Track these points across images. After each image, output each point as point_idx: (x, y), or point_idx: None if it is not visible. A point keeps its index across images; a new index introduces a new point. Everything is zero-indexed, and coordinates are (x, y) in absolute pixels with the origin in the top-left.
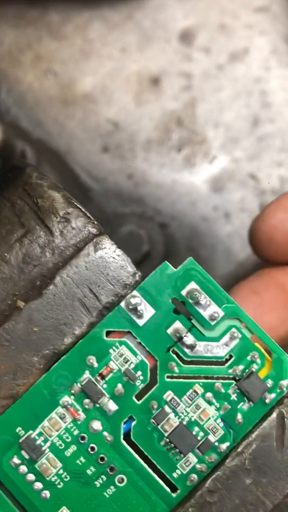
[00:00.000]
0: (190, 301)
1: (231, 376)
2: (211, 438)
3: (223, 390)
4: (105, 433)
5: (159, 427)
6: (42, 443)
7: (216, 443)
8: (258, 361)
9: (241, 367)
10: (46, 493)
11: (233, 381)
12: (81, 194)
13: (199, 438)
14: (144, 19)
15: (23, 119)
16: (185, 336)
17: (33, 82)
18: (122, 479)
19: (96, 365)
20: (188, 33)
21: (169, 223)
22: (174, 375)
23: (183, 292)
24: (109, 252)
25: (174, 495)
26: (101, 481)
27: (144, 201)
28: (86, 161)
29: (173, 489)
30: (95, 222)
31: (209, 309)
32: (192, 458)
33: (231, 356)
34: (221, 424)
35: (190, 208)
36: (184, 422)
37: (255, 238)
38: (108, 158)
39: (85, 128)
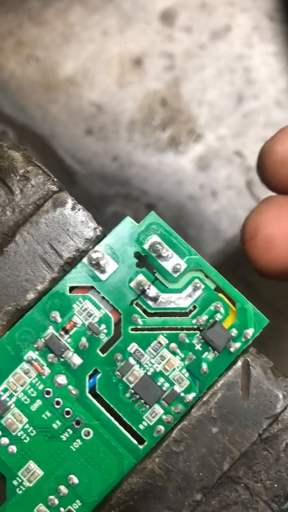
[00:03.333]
0: (153, 254)
1: (195, 327)
2: (177, 388)
3: (187, 341)
4: (70, 387)
5: (124, 379)
6: (7, 399)
7: (182, 394)
8: (222, 310)
9: (204, 317)
10: (13, 448)
11: (197, 332)
12: (66, 177)
13: (164, 388)
14: (124, 1)
15: (6, 105)
16: (148, 288)
17: (16, 68)
18: (88, 432)
19: (59, 320)
20: (169, 13)
21: (156, 204)
22: (138, 327)
23: (146, 246)
24: (68, 208)
25: (141, 446)
26: (67, 435)
27: (130, 182)
28: (70, 144)
29: (140, 441)
30: (55, 180)
31: (172, 261)
32: (158, 409)
33: (194, 307)
34: (187, 374)
35: (177, 188)
36: (149, 373)
37: (266, 163)
38: (92, 140)
39: (68, 111)
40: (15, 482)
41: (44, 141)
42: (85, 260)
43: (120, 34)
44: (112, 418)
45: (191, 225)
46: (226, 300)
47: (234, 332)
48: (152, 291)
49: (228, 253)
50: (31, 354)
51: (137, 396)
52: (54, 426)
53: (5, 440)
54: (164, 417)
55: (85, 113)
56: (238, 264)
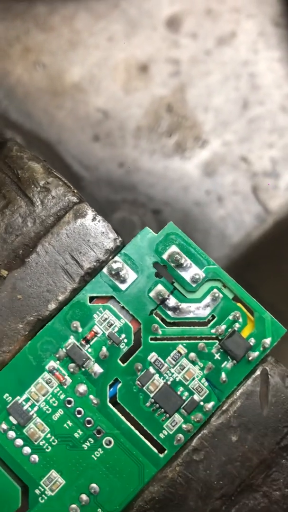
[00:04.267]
0: (172, 264)
1: (214, 336)
2: (196, 397)
3: (206, 350)
4: (91, 396)
5: (144, 388)
6: (30, 408)
7: (202, 403)
8: (240, 320)
9: (223, 326)
10: (35, 457)
11: (216, 341)
12: (73, 183)
13: (184, 398)
14: (130, 8)
15: (13, 111)
16: (167, 298)
17: (22, 74)
18: (110, 441)
19: (80, 330)
20: (175, 19)
21: (162, 209)
22: (158, 337)
23: (164, 256)
24: (89, 219)
25: (161, 455)
26: (88, 444)
27: (136, 188)
28: (77, 150)
29: (160, 449)
30: (75, 191)
31: (191, 271)
32: (178, 418)
33: (213, 317)
34: (206, 384)
35: (183, 193)
36: (169, 383)
37: None
38: (99, 146)
39: (75, 118)
40: (37, 491)
41: (51, 147)
42: (105, 270)
43: (126, 40)
44: (132, 427)
45: (197, 231)
46: (244, 309)
47: (252, 341)
48: (171, 301)
49: (234, 259)
50: (53, 364)
51: (157, 405)
52: (76, 435)
53: (27, 450)
54: (184, 426)
55: (92, 119)
56: (244, 269)
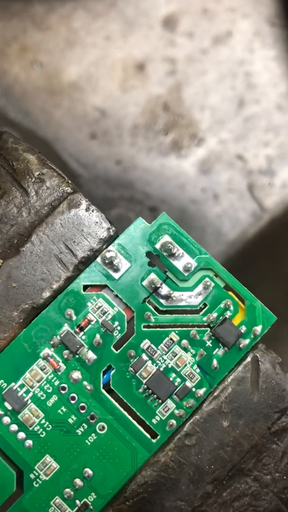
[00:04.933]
0: (164, 253)
1: (206, 324)
2: (188, 384)
3: (198, 337)
4: (85, 383)
5: (137, 374)
6: (24, 394)
7: (193, 389)
8: (232, 308)
9: (215, 314)
10: (30, 443)
11: (208, 328)
12: (70, 181)
13: (176, 384)
14: (127, 7)
15: (10, 109)
16: (160, 287)
17: (20, 73)
18: (103, 427)
19: (74, 317)
20: (171, 18)
21: (159, 206)
22: (151, 324)
23: (157, 245)
24: (83, 209)
25: (154, 440)
26: (82, 429)
27: (133, 186)
28: (75, 148)
29: (153, 435)
30: (69, 182)
31: (183, 260)
32: (170, 404)
33: (205, 305)
34: (198, 370)
35: (179, 191)
36: (161, 369)
37: None
38: (96, 144)
39: (72, 116)
40: (32, 476)
41: (49, 145)
42: (98, 259)
43: (123, 40)
44: (126, 413)
45: (194, 228)
46: (235, 298)
47: (243, 329)
48: (164, 289)
49: (230, 255)
50: (47, 351)
51: (150, 391)
52: (70, 421)
53: (22, 435)
54: (176, 411)
55: (89, 118)
56: (239, 266)
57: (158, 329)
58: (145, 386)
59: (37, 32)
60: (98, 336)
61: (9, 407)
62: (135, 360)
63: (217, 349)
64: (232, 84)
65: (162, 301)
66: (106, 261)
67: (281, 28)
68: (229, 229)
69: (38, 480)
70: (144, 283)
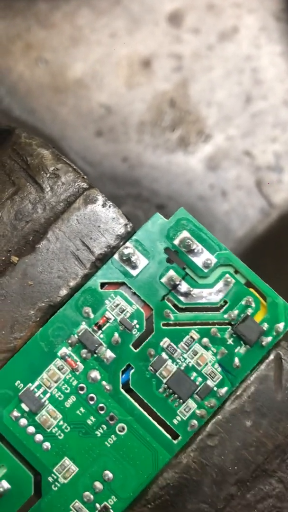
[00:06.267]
0: (183, 249)
1: (227, 321)
2: (210, 383)
3: (219, 335)
4: (104, 382)
5: (157, 374)
6: (42, 395)
7: (215, 388)
8: (253, 305)
9: (236, 311)
10: (48, 445)
11: (229, 326)
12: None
13: (197, 383)
14: (131, 3)
15: (16, 108)
16: (179, 284)
17: (24, 71)
18: (123, 428)
19: (92, 316)
20: (176, 14)
21: (166, 204)
22: (170, 322)
23: (176, 241)
24: (99, 205)
25: (175, 441)
26: (101, 431)
27: (140, 183)
28: (80, 146)
29: (174, 435)
30: (85, 177)
31: (202, 256)
32: (191, 404)
33: (225, 302)
34: (219, 369)
35: (187, 188)
36: (182, 368)
37: None
38: (102, 142)
39: (78, 113)
40: (50, 479)
41: (54, 143)
42: (116, 256)
43: (128, 36)
44: (146, 413)
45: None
46: (256, 294)
47: (265, 326)
48: (183, 286)
49: (239, 252)
50: (65, 350)
51: (171, 391)
52: (89, 422)
53: (39, 437)
54: (197, 411)
55: (95, 115)
56: (248, 263)
57: (178, 327)
58: (166, 385)
59: (42, 29)
60: (116, 334)
61: (26, 409)
62: (155, 359)
63: (238, 347)
64: (239, 80)
65: (181, 298)
66: (124, 258)
67: (287, 23)
68: (237, 226)
69: (56, 483)
70: (163, 280)
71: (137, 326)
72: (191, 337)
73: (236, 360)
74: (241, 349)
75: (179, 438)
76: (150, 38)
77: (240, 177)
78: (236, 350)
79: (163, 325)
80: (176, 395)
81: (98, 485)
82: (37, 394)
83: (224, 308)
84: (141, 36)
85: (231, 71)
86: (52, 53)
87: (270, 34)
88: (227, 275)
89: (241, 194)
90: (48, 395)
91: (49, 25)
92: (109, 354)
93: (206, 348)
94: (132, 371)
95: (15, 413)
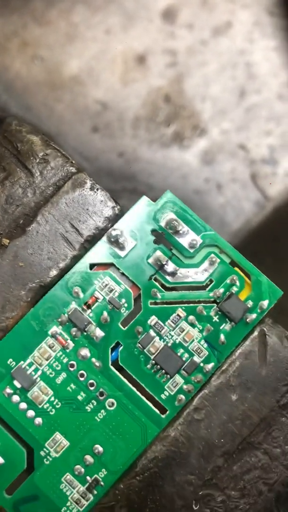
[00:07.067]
0: (169, 231)
1: (212, 299)
2: (196, 359)
3: (205, 313)
4: (94, 359)
5: (145, 350)
6: (33, 373)
7: (201, 364)
8: (238, 283)
9: (221, 290)
10: (39, 420)
11: (215, 304)
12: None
13: (184, 359)
14: (126, 0)
15: (12, 105)
16: (165, 264)
17: (21, 68)
18: (112, 403)
19: (82, 295)
20: (170, 10)
21: None
22: (157, 301)
23: (162, 223)
24: (87, 188)
25: (163, 416)
26: (91, 406)
27: (136, 178)
28: (77, 142)
29: (162, 410)
30: (73, 162)
31: (188, 237)
32: (178, 379)
33: (211, 281)
34: (205, 345)
35: (182, 182)
36: (169, 345)
37: None
38: (98, 137)
39: (74, 110)
40: (42, 453)
41: (51, 139)
42: (104, 238)
43: (123, 33)
44: (134, 389)
45: None
46: (241, 273)
47: (250, 303)
48: (170, 266)
49: (234, 245)
50: (55, 329)
51: (158, 367)
52: (79, 398)
53: (31, 413)
54: (184, 386)
55: (91, 111)
56: (244, 255)
57: (165, 305)
58: (153, 361)
59: (37, 27)
60: (105, 313)
61: (18, 386)
62: (143, 336)
63: (224, 324)
64: (233, 75)
65: (168, 278)
66: (112, 240)
67: (281, 18)
68: (233, 219)
69: (48, 457)
70: (150, 260)
71: (126, 305)
72: (178, 315)
73: (222, 336)
74: (227, 326)
75: (167, 412)
76: (144, 34)
77: (235, 171)
78: (221, 327)
79: (151, 303)
80: (163, 371)
81: (89, 458)
82: (29, 372)
83: (210, 286)
84: (136, 33)
85: (225, 66)
86: (48, 50)
87: (263, 29)
88: (212, 254)
89: (236, 187)
90: (39, 372)
91: (45, 22)
92: (99, 332)
93: (192, 325)
94: (120, 348)
95: (8, 390)
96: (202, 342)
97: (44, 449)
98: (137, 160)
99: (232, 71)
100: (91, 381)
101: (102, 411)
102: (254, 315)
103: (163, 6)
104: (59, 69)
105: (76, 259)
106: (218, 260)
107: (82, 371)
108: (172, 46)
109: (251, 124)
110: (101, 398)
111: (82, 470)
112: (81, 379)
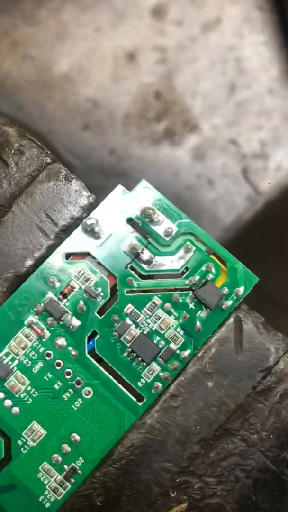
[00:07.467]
0: (145, 219)
1: (188, 287)
2: (173, 346)
3: (181, 300)
4: (70, 348)
5: (121, 338)
6: (10, 362)
7: (178, 351)
8: (213, 270)
9: (197, 277)
10: (16, 409)
11: (190, 291)
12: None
13: (160, 346)
14: None
15: (3, 104)
16: (141, 252)
17: (11, 67)
18: (89, 392)
19: (58, 285)
20: (160, 7)
21: None
22: (133, 289)
23: (138, 212)
24: (62, 178)
25: (140, 403)
26: (68, 395)
27: (128, 175)
28: (68, 140)
29: (139, 398)
30: (48, 152)
31: (163, 225)
32: (155, 367)
33: (187, 269)
34: (181, 332)
35: (174, 178)
36: (145, 332)
37: None
38: (89, 135)
39: (65, 108)
40: (19, 442)
41: (42, 138)
42: (80, 227)
43: (112, 30)
44: (111, 377)
45: (189, 214)
46: (217, 260)
47: (225, 290)
48: (146, 254)
49: (227, 240)
50: (31, 319)
51: (135, 355)
52: (56, 386)
53: (8, 402)
54: (161, 374)
55: (81, 109)
56: (236, 250)
57: (141, 293)
58: (130, 349)
59: (27, 26)
60: (81, 302)
61: None
62: (119, 324)
63: (200, 311)
64: (223, 70)
65: (144, 266)
66: (88, 229)
67: (270, 13)
68: (225, 214)
69: (26, 446)
70: (126, 249)
71: (102, 293)
72: (154, 302)
73: (198, 323)
74: (202, 313)
75: (144, 400)
76: (134, 31)
77: (226, 166)
78: (197, 314)
79: (127, 292)
80: (140, 359)
81: (66, 447)
82: (5, 361)
83: (186, 274)
84: (125, 30)
85: (215, 62)
86: (38, 49)
87: (253, 24)
88: (188, 242)
89: (227, 182)
90: (16, 362)
91: (34, 22)
92: (75, 321)
93: (168, 313)
94: (97, 337)
95: None
96: (178, 329)
97: (22, 438)
98: (129, 157)
99: (222, 67)
100: (67, 370)
101: (79, 399)
102: (229, 302)
103: (152, 3)
104: (49, 67)
105: (51, 249)
106: (194, 248)
107: (58, 360)
108: (161, 42)
109: (242, 119)
110: (77, 386)
111: (60, 458)
112: (58, 368)
